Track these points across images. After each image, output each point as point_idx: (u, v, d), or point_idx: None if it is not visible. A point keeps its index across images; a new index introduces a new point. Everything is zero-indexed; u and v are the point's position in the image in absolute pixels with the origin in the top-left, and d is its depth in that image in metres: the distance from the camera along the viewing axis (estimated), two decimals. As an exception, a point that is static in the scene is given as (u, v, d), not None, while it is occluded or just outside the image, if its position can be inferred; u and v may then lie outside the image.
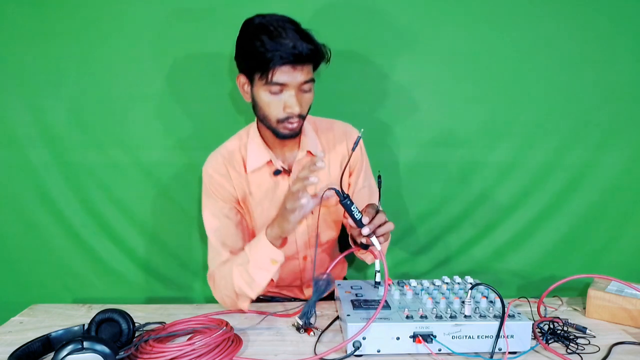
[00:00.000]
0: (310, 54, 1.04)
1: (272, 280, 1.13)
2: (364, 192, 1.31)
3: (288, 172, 1.22)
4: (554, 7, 1.42)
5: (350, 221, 1.04)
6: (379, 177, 1.14)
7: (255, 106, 1.14)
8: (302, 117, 1.12)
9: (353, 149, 1.04)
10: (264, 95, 1.08)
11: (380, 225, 1.02)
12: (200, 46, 1.43)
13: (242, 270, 1.10)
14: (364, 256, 1.26)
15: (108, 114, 1.46)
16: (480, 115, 1.48)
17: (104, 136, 1.47)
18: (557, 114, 1.47)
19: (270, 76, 1.04)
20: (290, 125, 1.11)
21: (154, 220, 1.53)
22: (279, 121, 1.10)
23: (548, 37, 1.44)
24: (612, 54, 1.44)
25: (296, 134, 1.15)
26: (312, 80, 1.10)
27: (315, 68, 1.12)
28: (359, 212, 1.02)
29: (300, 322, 1.05)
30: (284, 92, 1.07)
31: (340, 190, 1.02)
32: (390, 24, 1.44)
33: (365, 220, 1.01)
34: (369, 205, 1.08)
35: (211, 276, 1.20)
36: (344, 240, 1.41)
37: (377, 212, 1.04)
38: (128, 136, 1.47)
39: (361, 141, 1.30)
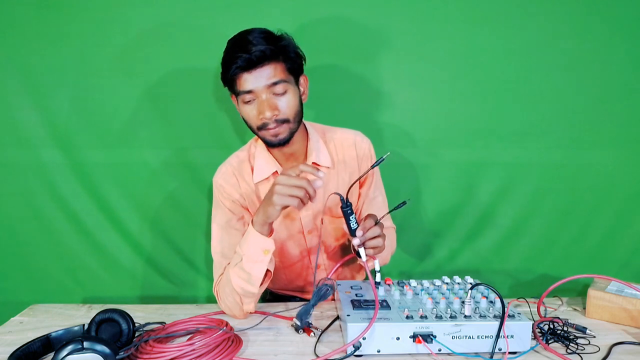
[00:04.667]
0: (263, 55, 1.04)
1: (270, 272, 1.11)
2: (378, 201, 1.31)
3: None
4: (549, 7, 1.42)
5: (345, 227, 1.05)
6: (344, 198, 1.06)
7: (244, 120, 1.15)
8: (284, 122, 1.10)
9: (373, 166, 1.03)
10: (242, 107, 1.11)
11: (372, 238, 1.02)
12: (208, 45, 1.44)
13: (238, 270, 1.08)
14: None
15: (116, 114, 1.48)
16: (475, 115, 1.49)
17: (110, 135, 1.49)
18: (552, 113, 1.48)
19: (236, 87, 1.07)
20: (271, 131, 1.10)
21: (160, 218, 1.55)
22: (259, 128, 1.11)
23: (543, 38, 1.45)
24: (607, 54, 1.45)
25: (285, 141, 1.13)
26: (284, 82, 1.08)
27: (292, 71, 1.11)
28: (356, 222, 1.04)
29: (298, 323, 1.05)
30: (256, 99, 1.08)
31: (345, 198, 1.03)
32: (391, 26, 1.44)
33: (359, 232, 1.02)
34: (369, 216, 1.06)
35: (215, 288, 1.19)
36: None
37: (375, 223, 1.04)
38: (134, 135, 1.49)
39: (373, 151, 1.30)
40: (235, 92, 1.10)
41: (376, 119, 1.50)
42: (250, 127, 1.14)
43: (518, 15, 1.43)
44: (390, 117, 1.50)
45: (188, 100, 1.48)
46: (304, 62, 1.16)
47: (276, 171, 1.20)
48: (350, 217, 1.03)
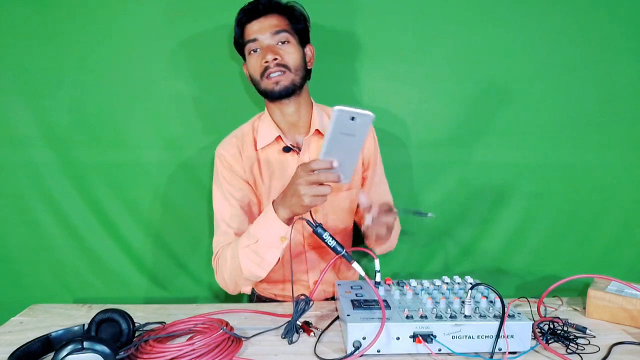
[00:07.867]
0: (268, 4, 1.15)
1: (280, 259, 1.11)
2: (382, 187, 1.34)
3: (297, 150, 1.24)
4: (552, 7, 1.42)
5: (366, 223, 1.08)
6: (311, 221, 1.05)
7: (251, 80, 1.20)
8: (285, 68, 1.15)
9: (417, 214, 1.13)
10: (248, 59, 1.19)
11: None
12: (202, 42, 1.44)
13: (249, 252, 1.08)
14: (374, 244, 1.24)
15: (109, 113, 1.47)
16: (479, 115, 1.49)
17: (104, 136, 1.47)
18: (556, 114, 1.48)
19: (244, 38, 1.17)
20: (272, 78, 1.15)
21: (154, 220, 1.53)
22: (262, 75, 1.16)
23: (548, 37, 1.44)
24: (612, 54, 1.44)
25: (287, 90, 1.16)
26: (287, 32, 1.16)
27: (297, 32, 1.18)
28: (332, 239, 1.03)
29: (286, 339, 1.03)
30: (261, 48, 1.15)
31: (311, 221, 1.03)
32: (391, 25, 1.44)
33: (340, 248, 1.02)
34: (385, 207, 1.11)
35: (215, 258, 1.20)
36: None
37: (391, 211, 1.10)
38: (128, 135, 1.48)
39: (375, 134, 1.33)
40: (243, 47, 1.18)
41: (376, 119, 1.49)
42: (254, 78, 1.19)
43: (520, 14, 1.42)
44: (391, 117, 1.50)
45: (184, 100, 1.47)
46: (309, 29, 1.23)
47: (279, 136, 1.23)
48: (324, 236, 1.03)
